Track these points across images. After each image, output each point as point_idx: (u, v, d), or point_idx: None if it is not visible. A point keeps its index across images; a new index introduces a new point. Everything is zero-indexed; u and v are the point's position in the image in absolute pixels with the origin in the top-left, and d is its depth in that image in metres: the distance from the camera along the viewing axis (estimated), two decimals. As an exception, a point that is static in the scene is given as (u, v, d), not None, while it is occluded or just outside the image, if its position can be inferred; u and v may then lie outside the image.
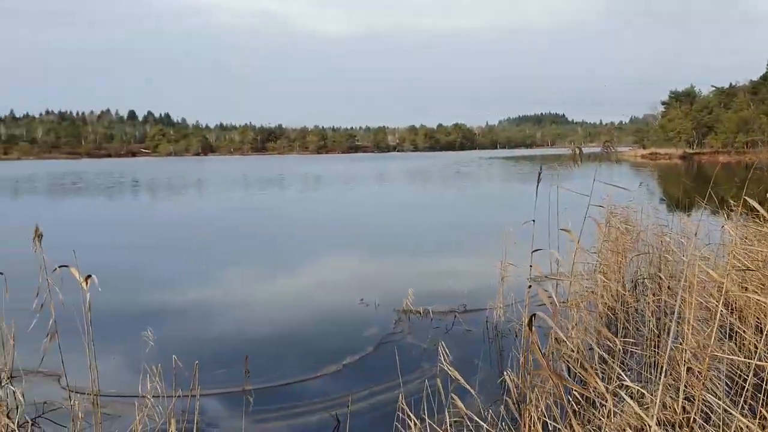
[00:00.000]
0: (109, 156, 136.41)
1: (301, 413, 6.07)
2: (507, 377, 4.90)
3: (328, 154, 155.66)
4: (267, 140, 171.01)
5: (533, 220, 5.51)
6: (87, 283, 3.94)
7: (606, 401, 3.35)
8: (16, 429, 4.12)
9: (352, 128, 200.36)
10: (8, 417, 4.23)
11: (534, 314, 3.44)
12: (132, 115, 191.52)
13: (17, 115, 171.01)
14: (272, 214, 25.96)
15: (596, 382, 3.28)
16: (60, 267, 4.06)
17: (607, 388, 3.37)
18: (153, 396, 4.36)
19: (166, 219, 24.88)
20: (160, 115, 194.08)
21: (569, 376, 5.57)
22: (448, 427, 4.05)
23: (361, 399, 6.24)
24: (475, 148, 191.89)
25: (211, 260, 14.76)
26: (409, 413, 4.06)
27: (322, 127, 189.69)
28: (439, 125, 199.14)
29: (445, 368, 4.21)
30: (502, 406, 5.04)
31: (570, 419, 3.64)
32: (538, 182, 5.30)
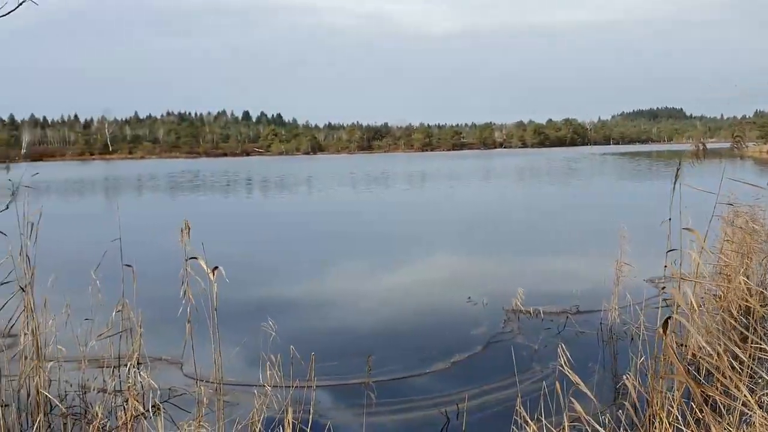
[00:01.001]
0: (225, 155, 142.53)
1: (409, 409, 6.10)
2: (627, 381, 4.70)
3: (434, 152, 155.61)
4: (373, 138, 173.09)
5: (669, 219, 5.22)
6: (214, 275, 4.13)
7: (753, 410, 3.14)
8: (145, 412, 4.39)
9: (457, 125, 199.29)
10: (137, 400, 4.49)
11: (669, 317, 3.27)
12: (246, 115, 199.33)
13: (141, 117, 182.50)
14: (379, 211, 26.26)
15: (741, 390, 3.09)
16: (189, 259, 4.28)
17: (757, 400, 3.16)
18: (271, 386, 4.51)
19: (280, 214, 25.73)
20: (273, 115, 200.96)
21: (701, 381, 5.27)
22: (565, 430, 3.94)
23: (471, 398, 6.18)
24: (587, 144, 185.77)
25: (323, 254, 15.13)
26: (525, 414, 3.98)
27: (428, 124, 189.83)
28: (549, 120, 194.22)
29: (563, 370, 4.10)
30: (621, 411, 4.85)
31: (709, 427, 3.44)
32: (675, 179, 5.01)
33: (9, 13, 4.23)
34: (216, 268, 4.18)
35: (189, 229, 4.44)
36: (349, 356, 7.58)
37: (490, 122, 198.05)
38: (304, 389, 4.72)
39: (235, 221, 23.39)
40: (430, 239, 17.36)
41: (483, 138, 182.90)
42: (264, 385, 4.59)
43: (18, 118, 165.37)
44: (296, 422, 4.22)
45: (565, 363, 4.09)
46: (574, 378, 4.00)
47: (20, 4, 4.18)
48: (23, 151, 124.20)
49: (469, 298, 10.22)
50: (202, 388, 4.49)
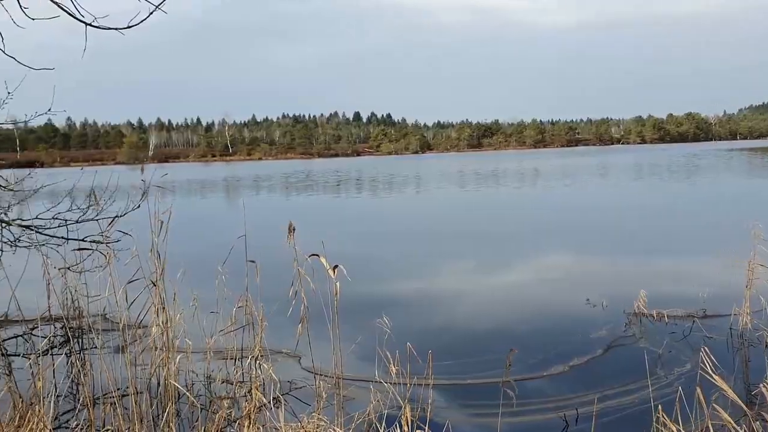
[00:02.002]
0: (337, 156, 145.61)
1: (526, 411, 5.96)
2: (763, 389, 4.38)
3: (546, 149, 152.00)
4: (483, 136, 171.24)
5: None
6: (334, 272, 4.21)
7: None
8: (267, 403, 4.55)
9: (572, 121, 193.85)
10: (260, 392, 4.64)
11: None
12: (357, 116, 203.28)
13: (258, 120, 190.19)
14: (490, 210, 25.94)
15: None
16: (311, 256, 4.38)
17: None
18: (387, 382, 4.54)
19: (390, 213, 25.99)
20: (382, 115, 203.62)
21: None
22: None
23: (591, 402, 5.97)
24: (711, 140, 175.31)
25: (436, 252, 15.14)
26: (666, 419, 3.78)
27: (540, 120, 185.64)
28: (669, 115, 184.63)
29: (705, 375, 3.86)
30: (758, 422, 4.51)
31: None
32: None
33: (141, 22, 4.47)
34: (336, 266, 4.26)
35: (293, 229, 4.55)
36: (464, 355, 7.53)
37: (607, 117, 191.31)
38: (421, 387, 4.72)
39: (347, 219, 23.83)
40: (545, 238, 16.95)
41: (599, 134, 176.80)
42: (381, 381, 4.63)
43: (146, 122, 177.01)
44: (414, 419, 4.22)
45: (714, 371, 3.84)
46: (722, 384, 3.76)
47: (151, 13, 4.38)
48: (150, 153, 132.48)
49: (588, 299, 9.88)
50: (321, 382, 4.58)
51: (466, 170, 60.27)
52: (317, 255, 4.33)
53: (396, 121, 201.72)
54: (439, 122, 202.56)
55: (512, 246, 15.87)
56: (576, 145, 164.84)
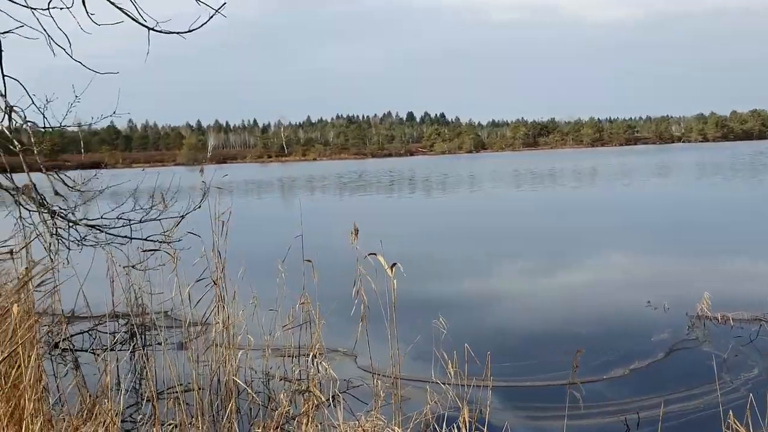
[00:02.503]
0: (390, 156, 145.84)
1: (587, 415, 5.85)
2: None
3: (604, 147, 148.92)
4: (538, 135, 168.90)
5: None
6: (392, 271, 4.22)
7: None
8: (325, 401, 4.59)
9: (631, 119, 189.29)
10: (318, 390, 4.69)
11: None
12: (410, 116, 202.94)
13: (312, 121, 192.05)
14: (547, 210, 25.56)
15: None
16: (369, 255, 4.41)
17: None
18: (445, 383, 4.53)
19: (443, 212, 25.89)
20: (436, 115, 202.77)
21: None
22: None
23: (652, 407, 5.84)
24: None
25: (492, 252, 15.03)
26: (738, 426, 3.66)
27: (598, 119, 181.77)
28: (733, 112, 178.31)
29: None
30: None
31: None
32: None
33: (201, 26, 4.57)
34: (395, 264, 4.27)
35: (357, 231, 4.57)
36: (523, 357, 7.46)
37: (667, 115, 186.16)
38: (479, 388, 4.69)
39: (401, 219, 23.84)
40: (605, 239, 16.62)
41: (659, 132, 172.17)
42: (438, 382, 4.62)
43: (204, 124, 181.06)
44: (472, 421, 4.19)
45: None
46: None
47: (211, 17, 4.48)
48: (209, 154, 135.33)
49: (649, 302, 9.63)
50: (379, 381, 4.60)
51: (522, 169, 59.54)
52: (375, 254, 4.35)
53: (449, 120, 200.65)
54: (493, 121, 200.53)
55: (571, 246, 15.60)
56: (635, 144, 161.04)
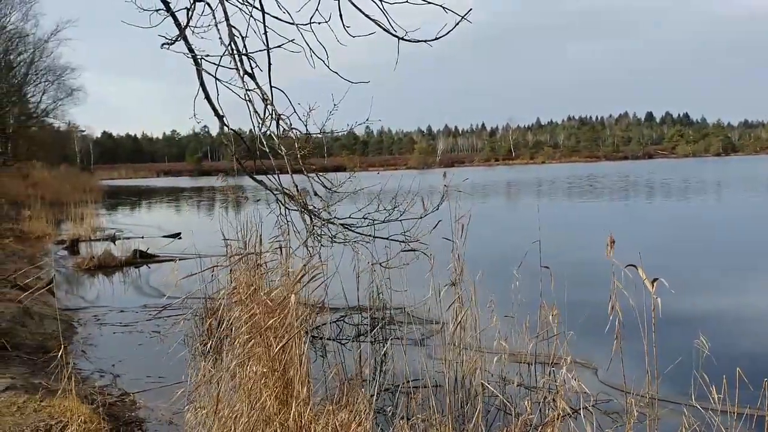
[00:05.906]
0: (626, 158, 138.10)
1: None
2: None
3: None
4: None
5: None
6: (653, 286, 3.96)
7: None
8: (572, 412, 4.45)
9: None
10: (564, 401, 4.55)
11: None
12: (649, 116, 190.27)
13: (542, 123, 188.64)
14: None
15: None
16: (628, 266, 4.19)
17: None
18: (707, 408, 4.14)
19: (696, 220, 23.85)
20: (678, 115, 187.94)
21: None
22: None
23: None
24: None
25: (762, 267, 13.51)
26: None
27: None
28: None
29: None
30: None
31: None
32: None
33: (447, 33, 4.63)
34: (656, 279, 4.00)
35: (614, 242, 4.35)
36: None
37: None
38: (751, 418, 4.21)
39: (646, 227, 22.29)
40: None
41: None
42: (697, 407, 4.24)
43: (434, 129, 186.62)
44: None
45: None
46: None
47: (457, 23, 4.51)
48: (438, 158, 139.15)
49: None
50: (632, 399, 4.33)
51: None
52: (635, 266, 4.11)
53: (694, 120, 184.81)
54: (746, 121, 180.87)
55: None
56: None
